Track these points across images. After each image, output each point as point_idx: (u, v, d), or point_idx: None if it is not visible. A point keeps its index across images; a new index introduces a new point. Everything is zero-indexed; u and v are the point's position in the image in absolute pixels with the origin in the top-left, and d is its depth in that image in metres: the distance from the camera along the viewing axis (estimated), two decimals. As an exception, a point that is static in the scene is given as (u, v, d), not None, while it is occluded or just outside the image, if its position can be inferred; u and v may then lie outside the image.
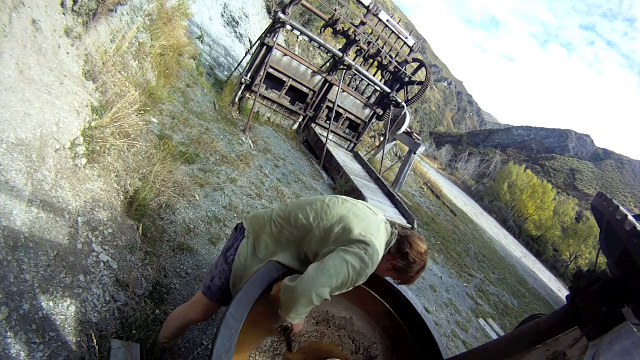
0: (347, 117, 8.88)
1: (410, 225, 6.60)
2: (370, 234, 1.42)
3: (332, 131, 8.38)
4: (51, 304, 1.60)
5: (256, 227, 1.60)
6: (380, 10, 7.82)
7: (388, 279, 1.77)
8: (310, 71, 7.67)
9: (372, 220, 1.49)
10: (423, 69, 9.51)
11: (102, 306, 1.85)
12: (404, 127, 9.56)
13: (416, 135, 10.18)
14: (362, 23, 7.80)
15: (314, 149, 7.95)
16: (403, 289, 1.82)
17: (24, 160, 1.82)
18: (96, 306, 1.82)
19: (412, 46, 8.76)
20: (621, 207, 0.94)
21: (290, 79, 7.48)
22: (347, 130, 9.34)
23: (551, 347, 1.14)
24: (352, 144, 9.47)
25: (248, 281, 1.33)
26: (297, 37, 10.85)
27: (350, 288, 1.40)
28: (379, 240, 1.45)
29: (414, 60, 9.40)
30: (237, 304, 1.23)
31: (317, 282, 1.29)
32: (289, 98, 7.94)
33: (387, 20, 8.08)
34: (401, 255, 1.49)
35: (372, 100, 9.38)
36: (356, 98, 8.79)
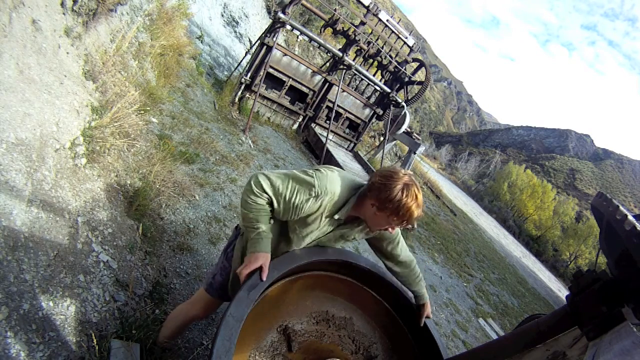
0: (347, 117, 8.88)
1: (410, 225, 6.59)
2: (326, 168, 1.41)
3: (332, 131, 8.38)
4: (51, 304, 1.60)
5: None
6: (380, 10, 7.82)
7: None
8: (310, 71, 7.67)
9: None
10: (423, 69, 9.51)
11: (102, 306, 1.85)
12: (404, 127, 9.56)
13: (416, 135, 10.18)
14: (362, 23, 7.80)
15: (314, 149, 7.96)
16: (403, 288, 1.81)
17: (24, 160, 1.82)
18: (96, 306, 1.82)
19: (412, 46, 8.76)
20: (621, 207, 0.94)
21: (290, 79, 7.48)
22: (347, 130, 9.34)
23: (551, 347, 1.14)
24: (352, 144, 9.47)
25: (248, 281, 1.33)
26: (297, 37, 10.85)
27: (293, 200, 1.32)
28: (336, 180, 1.38)
29: (414, 60, 9.40)
30: (237, 304, 1.23)
31: (260, 172, 1.37)
32: (289, 98, 7.94)
33: (387, 20, 8.08)
34: (369, 188, 1.35)
35: (372, 100, 9.38)
36: (356, 98, 8.79)
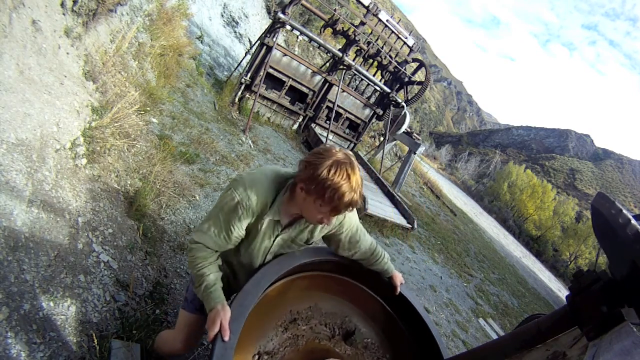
0: (347, 117, 8.89)
1: (410, 225, 6.60)
2: (245, 172, 1.31)
3: (332, 131, 8.38)
4: (52, 304, 1.60)
5: None
6: (380, 11, 7.82)
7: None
8: (310, 71, 7.68)
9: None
10: (423, 69, 9.51)
11: (102, 306, 1.86)
12: (404, 127, 9.56)
13: (416, 136, 10.18)
14: (362, 23, 7.81)
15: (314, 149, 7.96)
16: (403, 288, 1.81)
17: (25, 161, 1.82)
18: (97, 306, 1.83)
19: (412, 46, 8.76)
20: (624, 211, 0.94)
21: (290, 79, 7.49)
22: (347, 131, 9.34)
23: (551, 347, 1.14)
24: (352, 144, 9.47)
25: (248, 282, 1.33)
26: (297, 37, 10.85)
27: (233, 229, 1.22)
28: (259, 175, 1.25)
29: (414, 60, 9.40)
30: (238, 304, 1.23)
31: (194, 230, 1.31)
32: (289, 98, 7.95)
33: (387, 21, 8.09)
34: (299, 169, 1.18)
35: (372, 100, 9.38)
36: (356, 98, 8.79)
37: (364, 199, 5.87)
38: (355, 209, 1.32)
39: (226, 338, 1.11)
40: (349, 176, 1.10)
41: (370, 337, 1.80)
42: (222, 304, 1.20)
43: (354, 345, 1.69)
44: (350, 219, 1.45)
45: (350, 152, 1.18)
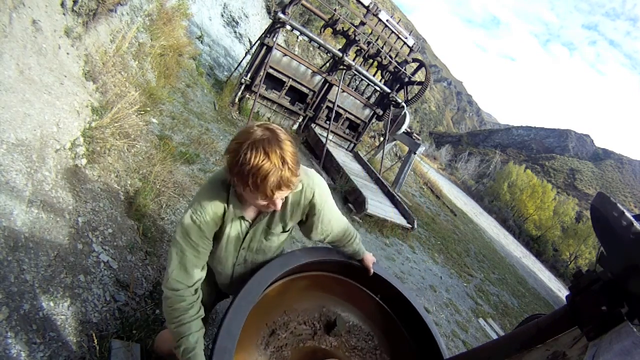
0: (347, 117, 8.89)
1: (410, 225, 6.60)
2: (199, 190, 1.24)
3: (332, 131, 8.39)
4: (52, 304, 1.60)
5: None
6: (380, 11, 7.82)
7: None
8: (310, 71, 7.68)
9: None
10: (423, 69, 9.52)
11: (102, 306, 1.86)
12: (404, 128, 9.57)
13: (416, 136, 10.18)
14: (362, 23, 7.81)
15: (314, 149, 7.96)
16: (402, 288, 1.81)
17: (25, 161, 1.82)
18: (96, 306, 1.83)
19: (412, 46, 8.77)
20: (626, 213, 0.94)
21: (290, 79, 7.49)
22: (347, 131, 9.34)
23: (551, 347, 1.14)
24: (352, 144, 9.48)
25: (249, 282, 1.33)
26: (297, 37, 10.85)
27: (199, 248, 1.18)
28: (206, 186, 1.21)
29: (414, 60, 9.41)
30: (238, 304, 1.23)
31: (163, 285, 1.19)
32: (289, 98, 7.95)
33: (387, 21, 8.09)
34: (228, 163, 1.05)
35: (372, 100, 9.38)
36: (356, 98, 8.79)
37: (363, 199, 5.87)
38: (320, 188, 1.30)
39: None
40: (267, 154, 0.96)
41: (356, 323, 1.80)
42: None
43: (338, 334, 1.66)
44: (321, 198, 1.32)
45: (276, 126, 1.06)
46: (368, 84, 9.11)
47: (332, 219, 1.41)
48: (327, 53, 8.08)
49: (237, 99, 7.07)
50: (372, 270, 1.65)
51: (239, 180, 1.01)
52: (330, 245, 1.58)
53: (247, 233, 1.30)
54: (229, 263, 1.37)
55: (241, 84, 6.99)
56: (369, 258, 1.64)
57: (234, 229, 1.26)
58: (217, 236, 1.27)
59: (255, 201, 1.09)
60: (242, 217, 1.25)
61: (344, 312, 1.79)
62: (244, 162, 0.96)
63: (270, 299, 1.49)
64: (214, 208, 1.17)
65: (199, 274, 1.22)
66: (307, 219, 1.39)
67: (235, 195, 1.18)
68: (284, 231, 1.38)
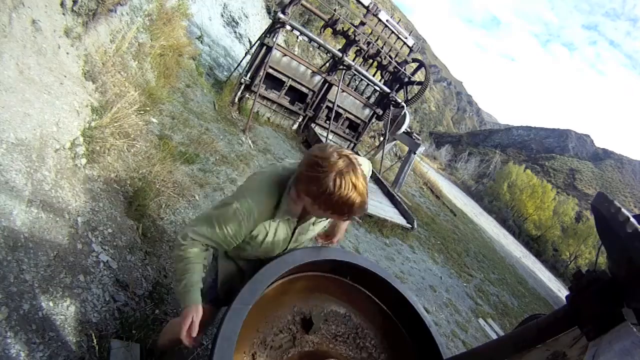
0: (347, 117, 8.89)
1: (410, 225, 6.60)
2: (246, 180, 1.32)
3: (332, 131, 8.38)
4: (51, 304, 1.60)
5: None
6: (380, 11, 7.82)
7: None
8: (310, 71, 7.68)
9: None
10: (423, 69, 9.51)
11: (102, 306, 1.85)
12: (404, 128, 9.56)
13: (416, 136, 10.17)
14: (362, 23, 7.81)
15: (314, 149, 7.95)
16: (402, 287, 1.81)
17: (24, 161, 1.82)
18: (96, 306, 1.83)
19: (412, 46, 8.77)
20: (623, 210, 0.94)
21: (290, 79, 7.49)
22: (347, 131, 9.34)
23: (551, 347, 1.14)
24: (352, 144, 9.47)
25: (249, 281, 1.33)
26: (297, 38, 10.85)
27: (228, 234, 1.23)
28: (258, 182, 1.26)
29: (414, 60, 9.40)
30: (238, 303, 1.23)
31: (186, 225, 1.30)
32: (289, 98, 7.95)
33: (387, 21, 8.09)
34: (297, 179, 1.15)
35: (372, 100, 9.38)
36: (356, 98, 8.79)
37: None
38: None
39: (194, 334, 1.17)
40: (354, 185, 1.07)
41: (357, 322, 1.79)
42: (197, 304, 1.21)
43: (318, 330, 1.60)
44: None
45: (349, 152, 1.13)
46: (368, 84, 9.10)
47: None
48: (327, 53, 8.08)
49: (236, 99, 7.07)
50: (334, 242, 1.72)
51: (324, 205, 1.10)
52: None
53: (294, 230, 1.40)
54: (276, 252, 1.45)
55: (241, 83, 6.99)
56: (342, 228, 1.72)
57: (281, 228, 1.34)
58: (260, 233, 1.31)
59: (321, 214, 1.19)
60: (289, 219, 1.33)
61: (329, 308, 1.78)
62: (332, 191, 1.05)
63: (269, 299, 1.50)
64: (263, 212, 1.24)
65: (215, 247, 1.31)
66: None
67: (288, 200, 1.24)
68: (314, 231, 1.51)
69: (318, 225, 1.48)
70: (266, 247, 1.37)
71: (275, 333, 1.50)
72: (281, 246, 1.43)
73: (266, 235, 1.32)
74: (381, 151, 10.14)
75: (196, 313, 1.19)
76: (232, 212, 1.21)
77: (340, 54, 7.69)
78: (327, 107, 8.33)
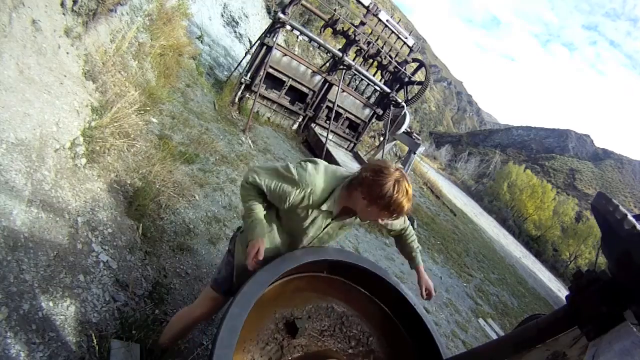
0: (347, 117, 8.88)
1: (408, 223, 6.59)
2: (309, 161, 1.48)
3: (332, 131, 8.38)
4: (51, 304, 1.60)
5: None
6: (380, 11, 7.82)
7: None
8: (310, 71, 7.67)
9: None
10: (423, 69, 9.51)
11: (102, 306, 1.85)
12: (404, 127, 9.56)
13: (416, 136, 10.17)
14: (362, 23, 7.80)
15: (314, 149, 7.95)
16: (402, 287, 1.81)
17: (24, 161, 1.82)
18: (96, 306, 1.82)
19: (412, 46, 8.76)
20: (621, 207, 0.94)
21: (290, 79, 7.48)
22: (347, 130, 9.34)
23: (551, 347, 1.14)
24: (352, 144, 9.47)
25: (249, 281, 1.33)
26: (297, 37, 10.85)
27: (278, 191, 1.41)
28: (317, 173, 1.43)
29: (414, 60, 9.39)
30: (238, 303, 1.23)
31: (252, 167, 1.51)
32: (289, 98, 7.94)
33: (387, 21, 8.08)
34: (360, 182, 1.36)
35: (372, 100, 9.38)
36: (356, 98, 8.79)
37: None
38: None
39: (260, 257, 1.40)
40: (407, 191, 1.32)
41: (368, 334, 1.77)
42: (262, 237, 1.44)
43: (303, 331, 1.58)
44: None
45: (400, 166, 1.39)
46: (368, 84, 9.10)
47: (399, 222, 1.77)
48: (327, 53, 8.08)
49: (237, 99, 7.07)
50: (424, 295, 1.76)
51: (381, 205, 1.32)
52: (394, 238, 1.88)
53: (327, 225, 1.55)
54: (303, 239, 1.58)
55: (241, 83, 6.99)
56: (424, 276, 1.79)
57: (318, 218, 1.49)
58: (301, 212, 1.47)
59: (374, 216, 1.41)
60: (330, 212, 1.48)
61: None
62: (391, 195, 1.29)
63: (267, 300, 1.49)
64: (322, 187, 1.41)
65: (265, 195, 1.50)
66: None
67: (339, 194, 1.43)
68: (347, 230, 1.70)
69: (343, 230, 1.65)
70: (298, 227, 1.52)
71: (262, 347, 1.49)
72: (309, 235, 1.56)
73: (305, 216, 1.48)
74: (381, 151, 10.14)
75: (262, 244, 1.42)
76: (294, 176, 1.39)
77: (340, 54, 7.69)
78: (327, 107, 8.33)
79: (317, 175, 1.42)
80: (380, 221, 1.49)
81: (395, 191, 1.30)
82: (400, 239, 1.91)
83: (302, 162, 1.46)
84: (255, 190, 1.47)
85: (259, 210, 1.48)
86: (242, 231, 1.65)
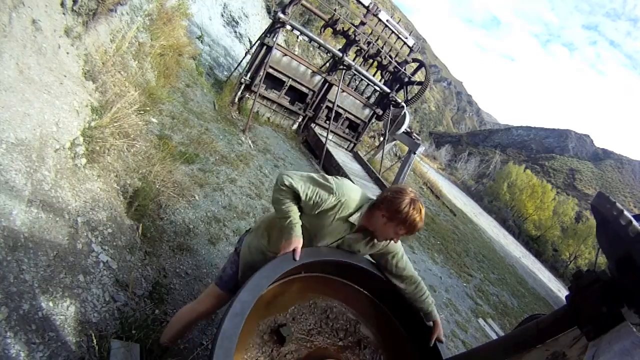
0: (346, 117, 8.89)
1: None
2: (343, 178, 1.63)
3: (331, 131, 8.38)
4: (51, 304, 1.60)
5: (265, 222, 1.76)
6: (380, 11, 7.82)
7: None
8: (310, 71, 7.67)
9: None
10: (423, 69, 9.51)
11: (102, 306, 1.85)
12: (404, 127, 9.56)
13: (416, 136, 10.17)
14: (362, 23, 7.80)
15: (314, 149, 7.95)
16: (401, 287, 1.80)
17: (24, 161, 1.82)
18: (96, 306, 1.82)
19: (412, 46, 8.76)
20: (625, 212, 0.94)
21: (290, 79, 7.48)
22: (347, 131, 9.34)
23: (551, 347, 1.14)
24: (352, 144, 9.47)
25: (249, 280, 1.33)
26: (297, 37, 10.85)
27: (313, 197, 1.51)
28: (352, 187, 1.59)
29: (414, 60, 9.40)
30: (238, 303, 1.23)
31: (284, 173, 1.58)
32: (289, 98, 7.94)
33: (387, 21, 8.09)
34: (382, 200, 1.54)
35: (372, 100, 9.38)
36: (356, 98, 8.79)
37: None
38: (399, 243, 1.74)
39: (297, 258, 1.46)
40: (420, 210, 1.50)
41: (356, 322, 1.77)
42: (299, 238, 1.51)
43: (290, 337, 1.53)
44: (396, 245, 1.74)
45: (413, 189, 1.56)
46: (368, 84, 9.10)
47: (406, 268, 1.76)
48: (327, 53, 8.08)
49: (236, 99, 7.07)
50: (432, 342, 1.73)
51: (398, 221, 1.49)
52: (405, 296, 1.78)
53: (344, 236, 1.63)
54: (320, 243, 1.64)
55: (241, 83, 6.99)
56: (439, 328, 1.76)
57: (342, 226, 1.59)
58: (328, 218, 1.56)
59: (390, 233, 1.54)
60: (353, 225, 1.58)
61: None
62: (407, 212, 1.47)
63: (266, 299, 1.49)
64: (351, 202, 1.54)
65: (297, 199, 1.57)
66: (383, 256, 1.74)
67: (364, 211, 1.56)
68: (356, 251, 1.73)
69: (356, 246, 1.69)
70: (319, 232, 1.61)
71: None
72: (325, 241, 1.64)
73: (329, 223, 1.57)
74: (381, 151, 10.14)
75: (299, 242, 1.50)
76: (332, 185, 1.53)
77: (340, 54, 7.69)
78: (327, 107, 8.33)
79: (352, 189, 1.57)
80: (394, 241, 1.62)
81: (411, 208, 1.48)
82: (413, 295, 1.77)
83: (338, 177, 1.60)
84: (291, 194, 1.54)
85: (296, 212, 1.55)
86: (250, 231, 1.75)
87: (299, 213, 1.58)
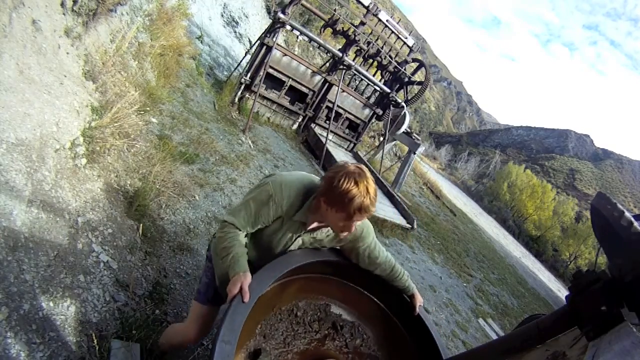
0: (346, 117, 8.88)
1: (410, 225, 6.60)
2: (281, 174, 1.46)
3: (331, 131, 8.38)
4: (51, 304, 1.60)
5: None
6: (380, 11, 7.82)
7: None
8: (310, 71, 7.67)
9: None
10: (423, 69, 9.51)
11: (102, 306, 1.85)
12: (404, 128, 9.56)
13: (416, 136, 10.17)
14: (362, 23, 7.80)
15: (314, 149, 7.95)
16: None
17: (24, 161, 1.82)
18: (96, 306, 1.83)
19: (412, 46, 8.76)
20: (627, 213, 0.94)
21: (290, 79, 7.48)
22: (347, 131, 9.34)
23: (551, 347, 1.14)
24: (352, 144, 9.47)
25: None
26: (297, 37, 10.85)
27: (258, 216, 1.38)
28: (290, 182, 1.40)
29: (414, 60, 9.40)
30: (238, 303, 1.23)
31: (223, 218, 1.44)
32: (289, 98, 7.94)
33: (387, 21, 8.08)
34: (319, 186, 1.36)
35: (372, 100, 9.38)
36: (356, 98, 8.79)
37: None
38: (371, 230, 1.59)
39: (246, 300, 1.23)
40: (357, 183, 1.24)
41: (355, 323, 1.76)
42: (244, 271, 1.31)
43: (268, 351, 1.48)
44: (368, 235, 1.59)
45: (363, 166, 1.33)
46: (368, 84, 9.10)
47: (379, 257, 1.64)
48: (327, 53, 8.08)
49: (236, 99, 7.07)
50: (417, 311, 1.74)
51: (329, 200, 1.29)
52: (383, 277, 1.70)
53: (297, 237, 1.49)
54: (273, 251, 1.51)
55: (241, 83, 6.99)
56: (418, 298, 1.76)
57: (291, 228, 1.45)
58: (274, 224, 1.44)
59: (335, 220, 1.34)
60: (304, 223, 1.44)
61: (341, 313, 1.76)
62: (337, 186, 1.24)
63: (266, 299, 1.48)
64: (292, 200, 1.38)
65: (250, 229, 1.44)
66: (353, 250, 1.61)
67: (309, 206, 1.40)
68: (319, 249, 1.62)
69: (318, 241, 1.57)
70: (270, 241, 1.48)
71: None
72: (279, 249, 1.50)
73: (278, 229, 1.44)
74: (381, 151, 10.14)
75: (244, 278, 1.28)
76: (267, 196, 1.37)
77: (340, 54, 7.69)
78: (327, 107, 8.33)
79: (289, 186, 1.38)
80: (343, 234, 1.41)
81: (344, 183, 1.24)
82: (389, 278, 1.71)
83: (274, 175, 1.44)
84: (235, 230, 1.39)
85: (239, 244, 1.38)
86: (215, 237, 1.57)
87: (244, 241, 1.42)
